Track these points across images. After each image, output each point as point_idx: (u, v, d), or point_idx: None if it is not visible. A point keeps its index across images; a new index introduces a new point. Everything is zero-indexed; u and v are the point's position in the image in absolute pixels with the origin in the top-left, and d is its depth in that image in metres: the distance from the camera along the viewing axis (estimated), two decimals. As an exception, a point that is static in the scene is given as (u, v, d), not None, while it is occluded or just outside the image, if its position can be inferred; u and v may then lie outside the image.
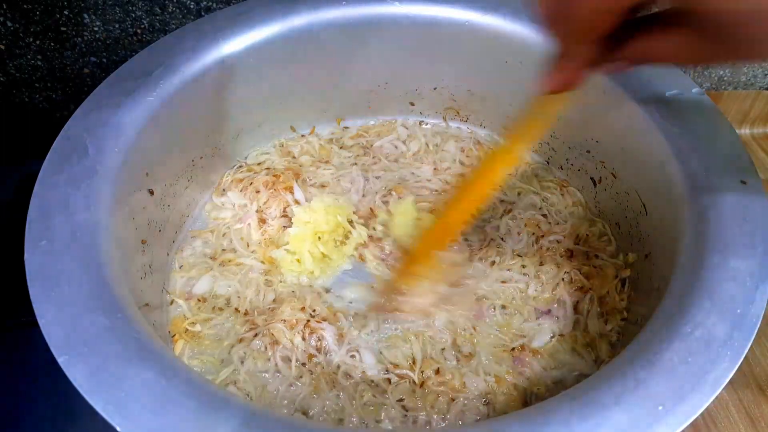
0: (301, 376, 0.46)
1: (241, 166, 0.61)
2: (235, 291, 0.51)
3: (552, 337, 0.49)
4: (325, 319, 0.48)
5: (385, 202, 0.57)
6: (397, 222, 0.55)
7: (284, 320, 0.47)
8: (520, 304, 0.51)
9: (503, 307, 0.51)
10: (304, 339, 0.47)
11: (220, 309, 0.50)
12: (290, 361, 0.46)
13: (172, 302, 0.50)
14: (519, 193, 0.60)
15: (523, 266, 0.53)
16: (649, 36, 0.28)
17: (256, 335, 0.47)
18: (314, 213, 0.53)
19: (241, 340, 0.47)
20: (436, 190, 0.59)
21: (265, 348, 0.47)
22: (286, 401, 0.45)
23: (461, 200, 0.43)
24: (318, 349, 0.47)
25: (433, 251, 0.48)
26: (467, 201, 0.42)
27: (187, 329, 0.48)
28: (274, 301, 0.50)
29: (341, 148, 0.64)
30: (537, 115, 0.36)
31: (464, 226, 0.45)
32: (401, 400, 0.45)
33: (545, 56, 0.31)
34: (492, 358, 0.48)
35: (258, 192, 0.57)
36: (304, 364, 0.46)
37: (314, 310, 0.49)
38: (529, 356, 0.47)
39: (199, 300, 0.51)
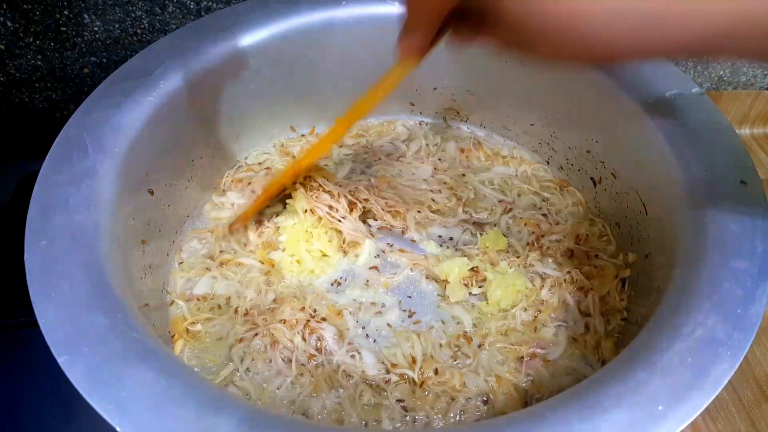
0: (302, 375, 0.46)
1: (240, 166, 0.61)
2: (235, 291, 0.51)
3: (566, 349, 0.48)
4: (325, 319, 0.49)
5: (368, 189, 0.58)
6: None
7: (284, 320, 0.47)
8: (524, 305, 0.51)
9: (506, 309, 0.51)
10: (304, 339, 0.47)
11: (220, 308, 0.50)
12: (290, 361, 0.46)
13: (172, 303, 0.50)
14: (519, 194, 0.60)
15: (524, 266, 0.53)
16: (471, 21, 0.33)
17: (256, 335, 0.47)
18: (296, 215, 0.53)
19: (241, 340, 0.47)
20: (431, 190, 0.59)
21: (265, 348, 0.47)
22: (286, 401, 0.45)
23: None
24: (318, 349, 0.47)
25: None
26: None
27: (187, 330, 0.48)
28: (274, 301, 0.50)
29: (341, 147, 0.64)
30: (390, 74, 0.41)
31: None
32: (401, 400, 0.45)
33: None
34: (495, 359, 0.48)
35: (254, 192, 0.57)
36: (303, 365, 0.46)
37: (314, 310, 0.49)
38: (539, 364, 0.47)
39: (198, 300, 0.51)
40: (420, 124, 0.67)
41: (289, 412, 0.44)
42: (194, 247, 0.55)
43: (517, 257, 0.53)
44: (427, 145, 0.64)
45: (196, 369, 0.46)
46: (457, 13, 0.33)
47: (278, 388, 0.45)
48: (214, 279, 0.52)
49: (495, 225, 0.57)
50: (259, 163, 0.61)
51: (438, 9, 0.33)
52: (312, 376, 0.46)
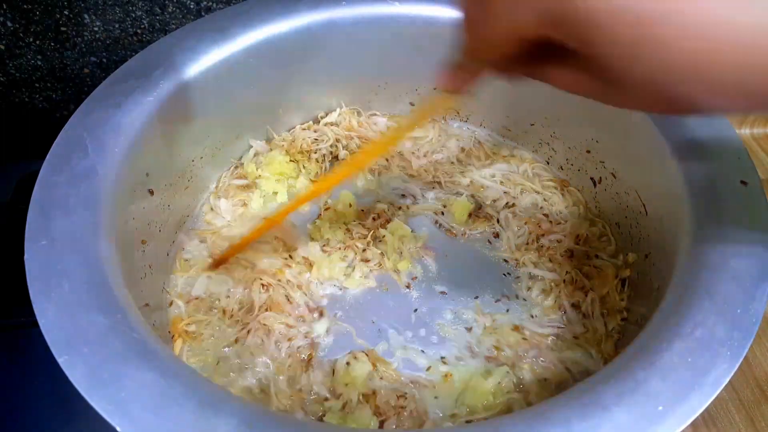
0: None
1: (237, 167, 0.61)
2: (225, 291, 0.51)
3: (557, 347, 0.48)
4: (321, 314, 0.49)
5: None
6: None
7: (274, 312, 0.48)
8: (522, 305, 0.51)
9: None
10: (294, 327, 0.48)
11: (214, 309, 0.50)
12: (286, 341, 0.47)
13: (171, 303, 0.50)
14: (522, 191, 0.60)
15: (523, 264, 0.53)
16: (549, 64, 0.29)
17: (248, 332, 0.47)
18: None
19: (236, 341, 0.47)
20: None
21: (261, 341, 0.47)
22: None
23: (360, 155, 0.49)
24: (312, 346, 0.47)
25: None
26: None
27: (186, 330, 0.48)
28: (268, 300, 0.50)
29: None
30: (430, 105, 0.39)
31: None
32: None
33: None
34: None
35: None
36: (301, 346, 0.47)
37: (306, 303, 0.50)
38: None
39: (196, 299, 0.51)
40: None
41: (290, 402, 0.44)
42: (195, 246, 0.55)
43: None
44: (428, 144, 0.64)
45: (195, 368, 0.46)
46: (530, 48, 0.27)
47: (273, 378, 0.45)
48: (209, 279, 0.52)
49: (494, 216, 0.57)
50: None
51: (511, 42, 0.27)
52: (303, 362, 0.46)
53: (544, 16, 0.24)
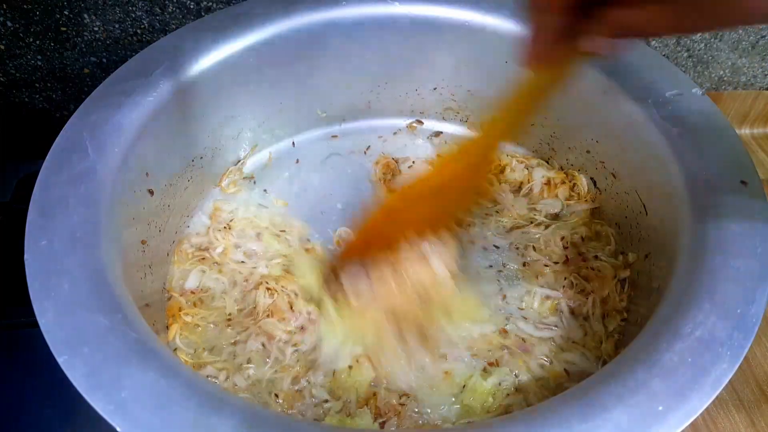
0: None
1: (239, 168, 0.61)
2: (221, 289, 0.51)
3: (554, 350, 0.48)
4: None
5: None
6: None
7: (271, 313, 0.48)
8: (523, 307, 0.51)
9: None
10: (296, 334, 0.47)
11: (202, 302, 0.50)
12: (290, 346, 0.47)
13: (170, 298, 0.50)
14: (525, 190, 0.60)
15: (522, 268, 0.53)
16: (623, 5, 0.27)
17: (248, 336, 0.47)
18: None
19: (235, 343, 0.47)
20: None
21: (263, 346, 0.47)
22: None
23: (449, 187, 0.40)
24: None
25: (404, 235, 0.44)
26: (457, 189, 0.40)
27: (184, 321, 0.48)
28: (272, 305, 0.50)
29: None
30: (523, 97, 0.35)
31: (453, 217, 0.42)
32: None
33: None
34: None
35: None
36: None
37: (309, 313, 0.49)
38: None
39: (191, 293, 0.51)
40: (420, 123, 0.67)
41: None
42: (193, 244, 0.54)
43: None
44: (428, 144, 0.64)
45: (189, 351, 0.47)
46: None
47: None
48: (203, 273, 0.52)
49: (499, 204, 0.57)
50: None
51: None
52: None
53: None
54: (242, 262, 0.53)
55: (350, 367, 0.46)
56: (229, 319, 0.49)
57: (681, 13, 0.25)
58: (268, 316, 0.48)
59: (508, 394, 0.45)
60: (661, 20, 0.26)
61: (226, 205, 0.57)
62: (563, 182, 0.60)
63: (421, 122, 0.67)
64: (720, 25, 0.26)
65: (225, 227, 0.55)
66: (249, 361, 0.46)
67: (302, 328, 0.48)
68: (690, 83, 0.49)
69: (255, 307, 0.49)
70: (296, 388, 0.45)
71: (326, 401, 0.45)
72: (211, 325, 0.49)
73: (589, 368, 0.47)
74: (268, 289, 0.49)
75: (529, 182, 0.60)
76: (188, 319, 0.48)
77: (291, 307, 0.49)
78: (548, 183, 0.60)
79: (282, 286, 0.50)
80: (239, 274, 0.52)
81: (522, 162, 0.62)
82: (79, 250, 0.37)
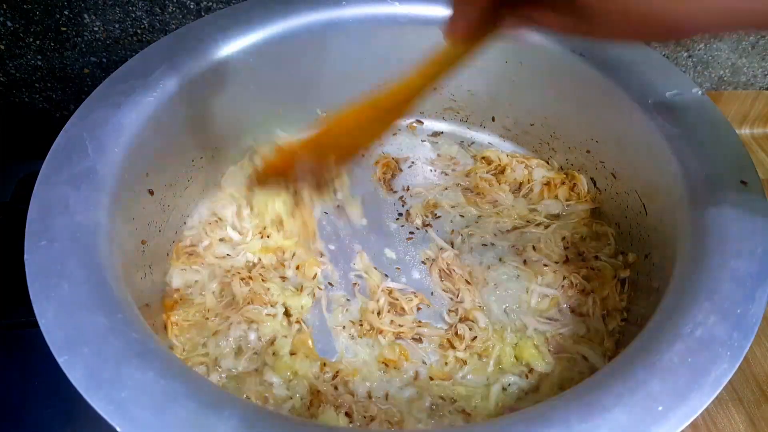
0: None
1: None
2: (200, 287, 0.51)
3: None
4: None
5: None
6: None
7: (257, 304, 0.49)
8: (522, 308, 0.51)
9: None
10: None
11: (183, 300, 0.51)
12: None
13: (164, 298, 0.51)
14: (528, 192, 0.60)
15: (522, 268, 0.53)
16: (533, 5, 0.30)
17: (230, 326, 0.48)
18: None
19: (215, 333, 0.48)
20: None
21: (245, 333, 0.48)
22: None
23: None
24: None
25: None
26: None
27: (171, 317, 0.49)
28: (250, 293, 0.50)
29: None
30: (442, 58, 0.38)
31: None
32: None
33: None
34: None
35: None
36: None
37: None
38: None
39: (177, 291, 0.51)
40: (419, 123, 0.67)
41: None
42: (192, 243, 0.55)
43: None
44: (427, 144, 0.64)
45: (183, 345, 0.47)
46: None
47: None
48: (183, 271, 0.52)
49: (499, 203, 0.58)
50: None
51: None
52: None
53: None
54: (226, 255, 0.53)
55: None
56: (209, 311, 0.49)
57: (576, 21, 0.28)
58: (248, 303, 0.48)
59: (519, 398, 0.45)
60: (561, 24, 0.29)
61: (225, 205, 0.57)
62: (563, 182, 0.60)
63: (421, 122, 0.67)
64: (606, 37, 0.29)
65: (216, 220, 0.56)
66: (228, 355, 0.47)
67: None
68: (690, 83, 0.49)
69: (234, 298, 0.50)
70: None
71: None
72: (193, 321, 0.49)
73: (589, 370, 0.47)
74: (242, 279, 0.50)
75: (529, 182, 0.60)
76: (174, 318, 0.49)
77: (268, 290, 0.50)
78: (548, 183, 0.60)
79: (258, 273, 0.51)
80: (219, 267, 0.52)
81: (522, 162, 0.62)
82: (79, 250, 0.37)
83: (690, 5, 0.24)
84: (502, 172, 0.61)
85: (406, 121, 0.66)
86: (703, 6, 0.24)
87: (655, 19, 0.25)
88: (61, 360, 0.32)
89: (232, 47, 0.52)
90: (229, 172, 0.60)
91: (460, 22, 0.34)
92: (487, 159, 0.63)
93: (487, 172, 0.62)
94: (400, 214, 0.59)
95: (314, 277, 0.53)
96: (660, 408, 0.31)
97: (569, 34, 0.30)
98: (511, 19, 0.32)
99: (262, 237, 0.54)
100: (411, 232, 0.57)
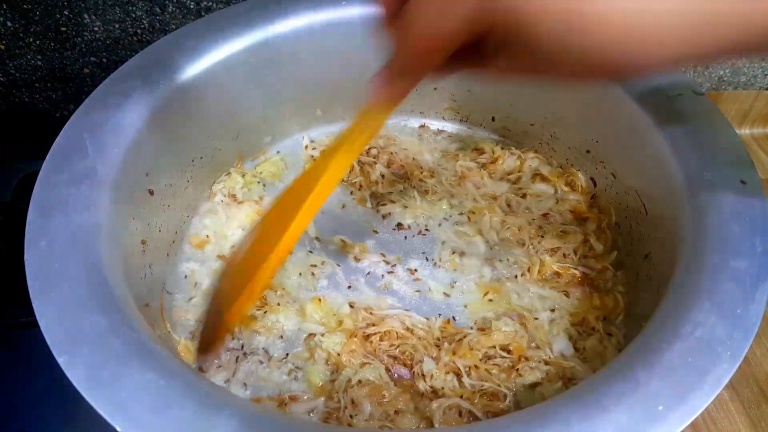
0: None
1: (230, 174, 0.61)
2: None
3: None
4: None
5: None
6: None
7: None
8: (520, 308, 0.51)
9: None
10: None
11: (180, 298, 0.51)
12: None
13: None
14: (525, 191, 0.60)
15: (521, 265, 0.53)
16: (484, 55, 0.29)
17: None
18: None
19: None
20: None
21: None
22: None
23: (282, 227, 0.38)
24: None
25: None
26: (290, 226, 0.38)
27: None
28: None
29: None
30: (365, 126, 0.35)
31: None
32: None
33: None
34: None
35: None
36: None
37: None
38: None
39: (168, 293, 0.51)
40: (419, 123, 0.67)
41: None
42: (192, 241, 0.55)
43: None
44: (427, 144, 0.64)
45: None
46: (462, 49, 0.28)
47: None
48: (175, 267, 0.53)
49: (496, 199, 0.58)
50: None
51: (441, 50, 0.28)
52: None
53: (475, 19, 0.26)
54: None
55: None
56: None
57: (524, 65, 0.28)
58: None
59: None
60: (527, 71, 0.29)
61: (224, 203, 0.58)
62: (559, 177, 0.60)
63: (420, 122, 0.67)
64: (586, 78, 0.30)
65: (210, 211, 0.57)
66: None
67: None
68: (690, 83, 0.49)
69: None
70: None
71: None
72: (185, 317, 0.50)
73: (586, 372, 0.47)
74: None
75: (519, 171, 0.60)
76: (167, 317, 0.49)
77: None
78: (541, 176, 0.60)
79: None
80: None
81: (515, 154, 0.62)
82: (79, 250, 0.37)
83: (637, 44, 0.25)
84: (494, 162, 0.61)
85: (406, 121, 0.66)
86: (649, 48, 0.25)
87: (610, 60, 0.26)
88: (61, 360, 0.32)
89: (232, 47, 0.52)
90: (229, 173, 0.60)
91: (402, 86, 0.32)
92: (479, 150, 0.63)
93: (471, 160, 0.62)
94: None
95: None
96: (660, 408, 0.31)
97: (517, 77, 0.29)
98: (456, 69, 0.31)
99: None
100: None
